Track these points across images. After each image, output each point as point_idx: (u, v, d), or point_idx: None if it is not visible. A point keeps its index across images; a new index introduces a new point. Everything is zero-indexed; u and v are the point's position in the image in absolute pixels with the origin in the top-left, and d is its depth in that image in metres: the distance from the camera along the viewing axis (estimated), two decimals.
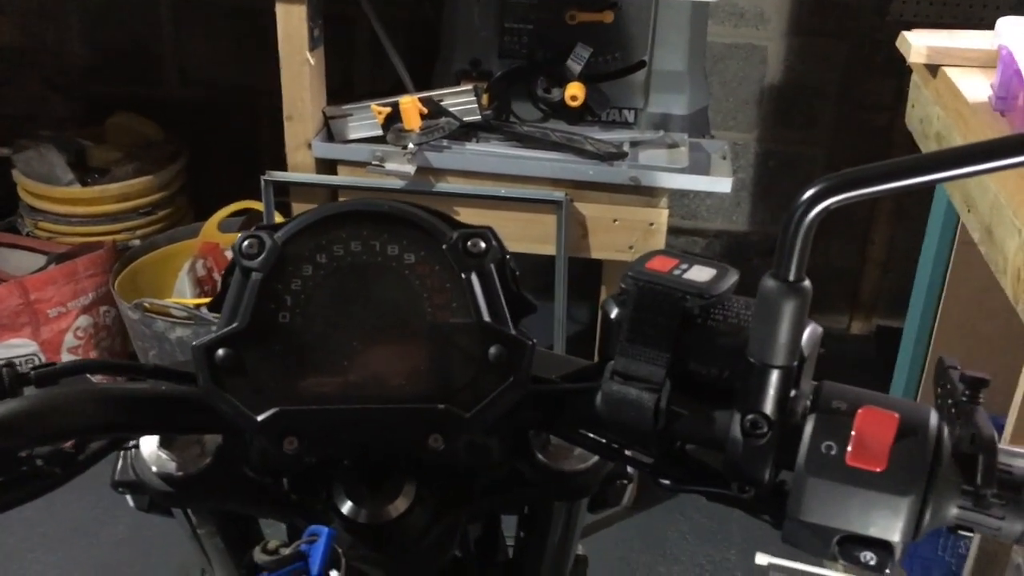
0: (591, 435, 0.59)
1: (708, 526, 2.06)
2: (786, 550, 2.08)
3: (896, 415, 0.49)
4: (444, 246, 0.55)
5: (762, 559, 1.69)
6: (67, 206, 2.37)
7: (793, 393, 0.50)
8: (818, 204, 0.45)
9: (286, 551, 0.52)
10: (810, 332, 0.51)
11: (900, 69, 2.30)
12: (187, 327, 2.03)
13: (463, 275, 0.55)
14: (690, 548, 2.02)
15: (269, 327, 0.55)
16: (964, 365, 0.53)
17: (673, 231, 2.63)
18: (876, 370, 1.94)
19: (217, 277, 2.27)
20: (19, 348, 2.17)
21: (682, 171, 1.84)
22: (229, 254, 2.27)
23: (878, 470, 0.47)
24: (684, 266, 0.55)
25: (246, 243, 0.55)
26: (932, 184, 0.47)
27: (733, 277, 0.55)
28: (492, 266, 0.56)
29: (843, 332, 2.75)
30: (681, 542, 2.04)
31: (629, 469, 0.66)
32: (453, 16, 2.01)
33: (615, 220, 1.89)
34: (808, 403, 0.51)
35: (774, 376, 0.49)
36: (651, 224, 1.89)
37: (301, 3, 1.80)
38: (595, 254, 1.94)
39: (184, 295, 2.19)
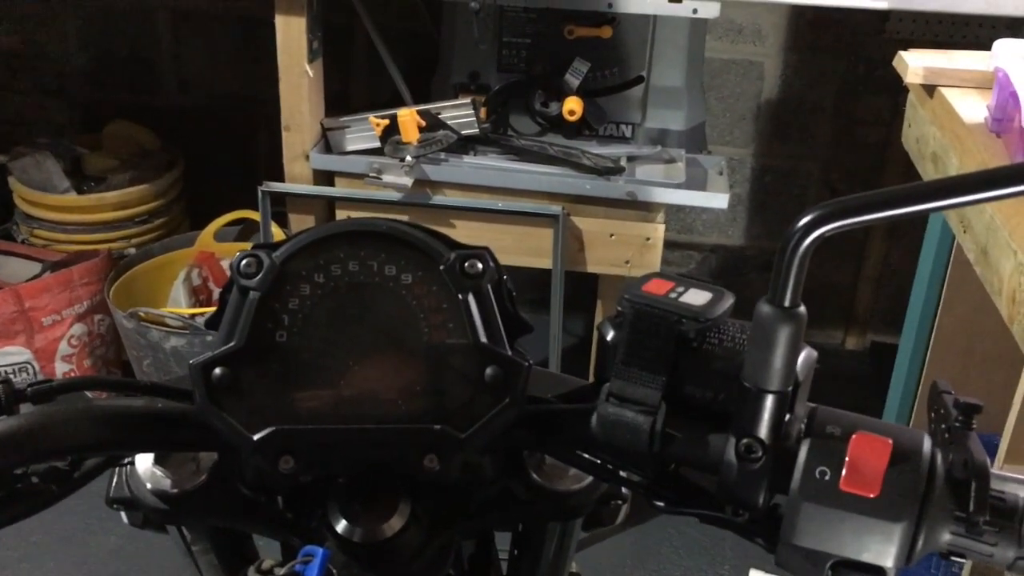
0: (586, 456, 0.59)
1: (701, 542, 2.06)
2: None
3: (889, 441, 0.49)
4: (441, 267, 0.55)
5: (756, 575, 1.69)
6: (63, 214, 2.37)
7: (788, 417, 0.50)
8: (813, 231, 0.45)
9: (280, 571, 0.52)
10: (805, 356, 0.51)
11: (896, 86, 2.30)
12: (182, 336, 2.03)
13: (460, 296, 0.55)
14: (683, 564, 2.02)
15: (266, 346, 0.55)
16: (958, 384, 0.53)
17: (669, 245, 2.64)
18: (871, 386, 1.95)
19: (212, 286, 2.27)
20: (13, 356, 2.17)
21: (679, 186, 1.85)
22: (225, 264, 2.28)
23: (871, 496, 0.48)
24: (680, 289, 0.55)
25: (244, 262, 0.55)
26: (929, 213, 0.47)
27: (729, 301, 0.55)
28: (489, 287, 0.56)
29: (838, 347, 2.76)
30: (674, 558, 2.03)
31: (623, 489, 0.66)
32: (452, 29, 2.01)
33: (612, 235, 1.90)
34: (802, 427, 0.51)
35: (769, 401, 0.49)
36: (647, 239, 1.89)
37: (301, 15, 1.81)
38: (591, 268, 1.94)
39: (179, 304, 2.18)
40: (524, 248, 1.90)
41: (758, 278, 2.71)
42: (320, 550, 0.53)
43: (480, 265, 0.56)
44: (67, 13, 2.70)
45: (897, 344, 1.83)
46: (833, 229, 0.45)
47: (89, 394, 0.62)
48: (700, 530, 2.08)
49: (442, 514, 0.63)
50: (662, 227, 1.90)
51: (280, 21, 1.82)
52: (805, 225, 0.45)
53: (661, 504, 0.55)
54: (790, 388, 0.49)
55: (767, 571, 1.80)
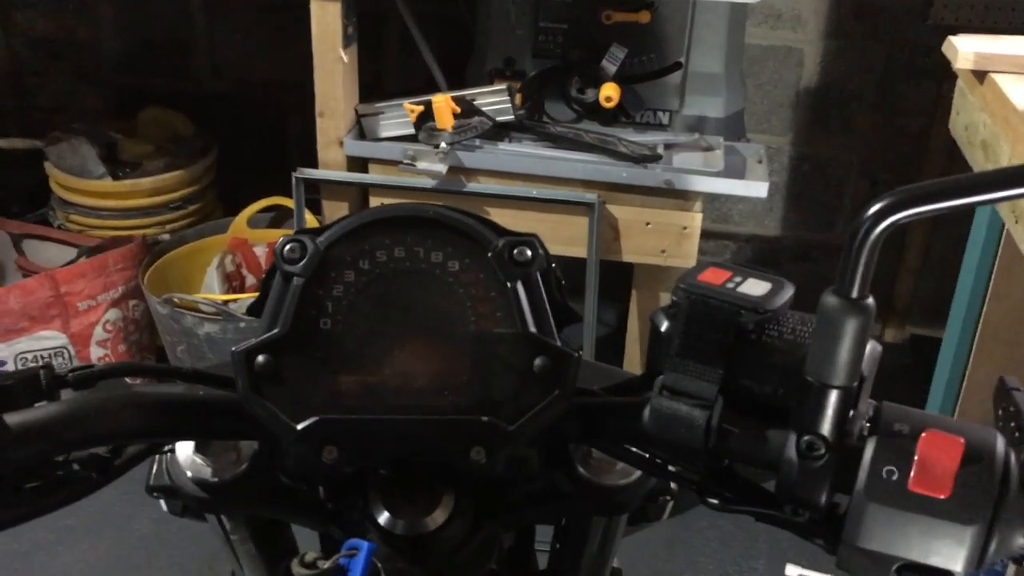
0: (635, 450, 0.57)
1: (736, 535, 2.04)
2: (816, 562, 2.06)
3: (961, 440, 0.47)
4: (489, 254, 0.54)
5: (792, 571, 1.67)
6: (98, 199, 2.38)
7: (851, 414, 0.48)
8: (884, 220, 0.43)
9: (324, 564, 0.51)
10: (870, 350, 0.49)
11: (939, 73, 2.26)
12: (215, 323, 2.03)
13: (508, 284, 0.54)
14: (718, 557, 2.00)
15: (310, 334, 0.53)
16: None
17: (704, 235, 2.59)
18: (911, 379, 1.91)
19: (246, 273, 2.27)
20: (49, 340, 2.18)
21: (717, 175, 1.82)
22: (258, 250, 2.28)
23: (942, 497, 0.46)
24: (738, 279, 0.53)
25: (288, 247, 0.53)
26: (1001, 201, 0.45)
27: (789, 291, 0.53)
28: (538, 275, 0.55)
29: (877, 340, 2.71)
30: (707, 550, 2.01)
31: (672, 485, 0.65)
32: (487, 14, 1.99)
33: (648, 223, 1.87)
34: (866, 425, 0.49)
35: (833, 396, 0.47)
36: (684, 228, 1.87)
37: (336, 0, 1.80)
38: (627, 257, 1.92)
39: (213, 290, 2.19)
40: (559, 236, 1.88)
41: (794, 269, 2.67)
42: (365, 543, 0.51)
43: (529, 252, 0.54)
44: None
45: (938, 337, 1.79)
46: (906, 217, 0.43)
47: (128, 380, 0.61)
48: (734, 523, 2.06)
49: (485, 507, 0.61)
50: (699, 216, 1.87)
51: (315, 7, 1.81)
52: (876, 212, 0.43)
53: (715, 502, 0.53)
54: (855, 383, 0.47)
55: (803, 567, 1.78)
